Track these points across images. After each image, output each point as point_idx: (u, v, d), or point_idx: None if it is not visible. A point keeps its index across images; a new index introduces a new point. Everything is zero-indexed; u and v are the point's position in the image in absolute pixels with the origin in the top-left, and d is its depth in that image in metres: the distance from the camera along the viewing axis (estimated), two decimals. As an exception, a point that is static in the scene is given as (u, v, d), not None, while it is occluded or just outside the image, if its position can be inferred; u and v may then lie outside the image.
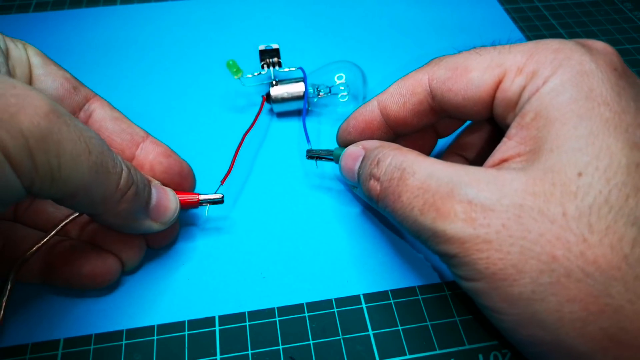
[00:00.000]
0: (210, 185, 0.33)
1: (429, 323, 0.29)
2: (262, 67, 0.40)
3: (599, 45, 0.25)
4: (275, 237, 0.33)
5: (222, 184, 0.33)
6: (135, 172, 0.25)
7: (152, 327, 0.29)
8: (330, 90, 0.40)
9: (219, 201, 0.31)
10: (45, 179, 0.20)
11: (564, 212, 0.20)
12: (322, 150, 0.34)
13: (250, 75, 0.39)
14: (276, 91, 0.39)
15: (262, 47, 0.40)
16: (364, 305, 0.30)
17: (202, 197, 0.31)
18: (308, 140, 0.35)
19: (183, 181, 0.31)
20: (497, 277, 0.21)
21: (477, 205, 0.22)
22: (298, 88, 0.39)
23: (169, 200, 0.28)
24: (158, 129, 0.40)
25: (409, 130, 0.30)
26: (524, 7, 0.53)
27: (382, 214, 0.32)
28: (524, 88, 0.24)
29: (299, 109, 0.40)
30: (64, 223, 0.28)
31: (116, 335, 0.28)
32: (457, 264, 0.22)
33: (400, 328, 0.29)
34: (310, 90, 0.39)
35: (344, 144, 0.32)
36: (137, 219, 0.27)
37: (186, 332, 0.29)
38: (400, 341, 0.28)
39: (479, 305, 0.23)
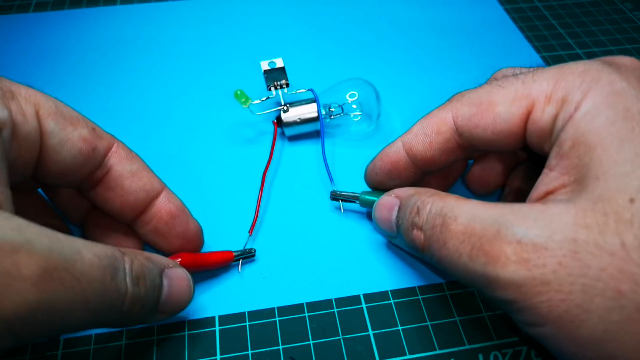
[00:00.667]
0: (228, 227, 0.33)
1: (429, 323, 0.29)
2: (269, 88, 0.38)
3: (626, 61, 0.24)
4: (275, 237, 0.33)
5: (250, 235, 0.32)
6: (144, 277, 0.23)
7: (153, 327, 0.29)
8: (343, 110, 0.38)
9: (252, 255, 0.31)
10: (31, 340, 0.19)
11: (622, 242, 0.19)
12: (347, 193, 0.33)
13: (258, 101, 0.37)
14: (288, 117, 0.37)
15: (265, 66, 0.38)
16: (364, 305, 0.30)
17: (235, 253, 0.31)
18: (331, 180, 0.34)
19: (186, 243, 0.29)
20: (562, 320, 0.19)
21: (527, 245, 0.20)
22: (310, 112, 0.37)
23: (180, 293, 0.26)
24: (157, 137, 0.40)
25: (437, 168, 0.30)
26: (524, 7, 0.53)
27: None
28: (556, 116, 0.23)
29: (310, 131, 0.39)
30: None
31: (116, 335, 0.28)
32: (517, 310, 0.21)
33: (400, 328, 0.29)
34: (322, 111, 0.37)
35: (372, 184, 0.32)
36: (142, 320, 0.25)
37: (186, 332, 0.29)
38: (400, 341, 0.28)
39: (551, 351, 0.21)
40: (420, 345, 0.28)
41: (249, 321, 0.29)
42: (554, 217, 0.20)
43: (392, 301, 0.30)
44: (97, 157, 0.26)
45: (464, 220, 0.23)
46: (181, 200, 0.30)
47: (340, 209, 0.34)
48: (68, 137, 0.25)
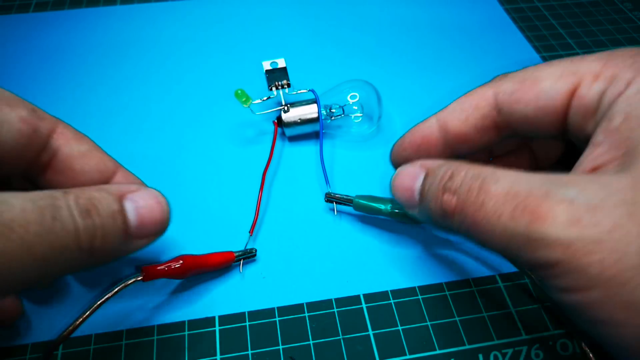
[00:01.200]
0: (228, 228, 0.33)
1: (429, 323, 0.29)
2: (270, 88, 0.38)
3: None
4: (275, 238, 0.33)
5: (250, 235, 0.32)
6: (96, 207, 0.22)
7: (152, 327, 0.29)
8: (344, 111, 0.38)
9: (253, 255, 0.31)
10: None
11: None
12: (341, 196, 0.33)
13: (259, 101, 0.37)
14: (288, 117, 0.37)
15: (267, 66, 0.38)
16: (364, 305, 0.30)
17: (236, 253, 0.31)
18: (327, 182, 0.34)
19: None
20: (614, 282, 0.18)
21: (581, 205, 0.19)
22: (311, 113, 0.37)
23: (152, 213, 0.24)
24: (157, 136, 0.40)
25: (468, 148, 0.29)
26: (524, 7, 0.53)
27: (381, 219, 0.32)
28: (603, 93, 0.23)
29: (311, 132, 0.39)
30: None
31: (116, 335, 0.28)
32: (560, 274, 0.20)
33: (400, 328, 0.29)
34: (323, 112, 0.37)
35: (397, 160, 0.31)
36: (118, 250, 0.23)
37: (186, 332, 0.29)
38: (400, 341, 0.28)
39: (588, 323, 0.20)
40: (420, 345, 0.28)
41: (249, 321, 0.29)
42: (608, 181, 0.20)
43: (392, 301, 0.30)
44: (40, 138, 0.25)
45: (506, 183, 0.21)
46: (140, 179, 0.28)
47: (334, 210, 0.34)
48: (5, 119, 0.24)
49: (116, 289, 0.26)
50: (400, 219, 0.32)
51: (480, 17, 0.51)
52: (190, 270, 0.29)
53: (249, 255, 0.31)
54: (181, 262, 0.28)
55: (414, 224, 0.33)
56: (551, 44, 0.49)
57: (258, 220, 0.33)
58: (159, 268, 0.28)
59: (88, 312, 0.26)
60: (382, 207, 0.32)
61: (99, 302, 0.26)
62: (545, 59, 0.47)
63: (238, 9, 0.52)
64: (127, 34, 0.49)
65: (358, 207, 0.32)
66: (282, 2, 0.53)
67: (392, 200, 0.32)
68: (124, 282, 0.27)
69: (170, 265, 0.28)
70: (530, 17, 0.52)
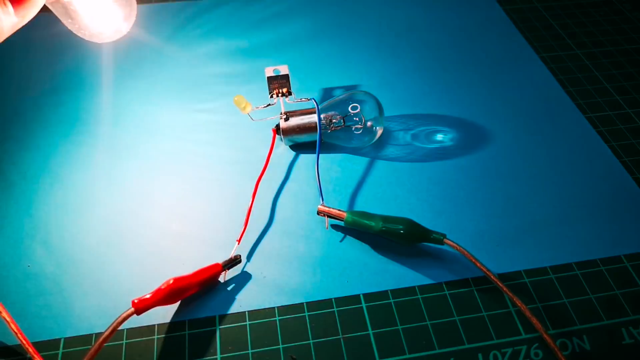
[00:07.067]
0: (224, 234, 0.33)
1: (428, 323, 0.29)
2: (271, 96, 0.37)
3: None
4: (277, 237, 0.33)
5: (238, 244, 0.32)
6: None
7: (153, 326, 0.29)
8: (344, 122, 0.37)
9: (238, 261, 0.31)
10: None
11: None
12: (334, 210, 0.33)
13: (258, 107, 0.36)
14: (287, 125, 0.37)
15: (269, 72, 0.38)
16: (364, 305, 0.30)
17: (222, 263, 0.30)
18: (321, 195, 0.34)
19: None
20: None
21: None
22: (310, 122, 0.36)
23: None
24: (155, 138, 0.40)
25: None
26: (524, 8, 0.53)
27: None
28: None
29: (309, 141, 0.38)
30: None
31: (117, 334, 0.28)
32: None
33: (400, 328, 0.29)
34: (323, 122, 0.37)
35: None
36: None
37: (186, 332, 0.29)
38: (400, 341, 0.28)
39: None
40: (420, 345, 0.28)
41: (249, 321, 0.29)
42: None
43: (392, 301, 0.30)
44: None
45: None
46: None
47: (326, 225, 0.34)
48: None
49: (110, 329, 0.26)
50: (390, 237, 0.32)
51: (480, 18, 0.51)
52: (179, 290, 0.28)
53: (234, 263, 0.31)
54: (170, 282, 0.28)
55: (404, 243, 0.32)
56: (550, 45, 0.49)
57: (261, 220, 0.33)
58: (147, 297, 0.27)
59: (87, 357, 0.25)
60: (373, 224, 0.31)
61: (96, 344, 0.25)
62: (544, 60, 0.47)
63: (241, 11, 0.52)
64: (126, 34, 0.49)
65: (349, 223, 0.32)
66: (288, 9, 0.53)
67: (384, 218, 0.32)
68: (116, 322, 0.26)
69: (158, 292, 0.28)
70: (530, 18, 0.52)
